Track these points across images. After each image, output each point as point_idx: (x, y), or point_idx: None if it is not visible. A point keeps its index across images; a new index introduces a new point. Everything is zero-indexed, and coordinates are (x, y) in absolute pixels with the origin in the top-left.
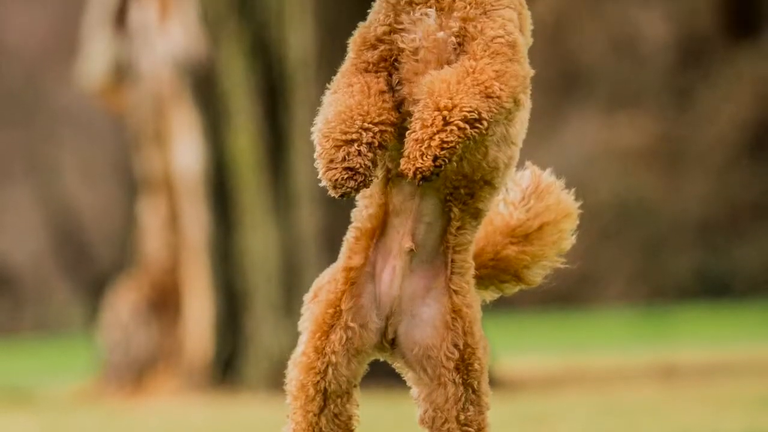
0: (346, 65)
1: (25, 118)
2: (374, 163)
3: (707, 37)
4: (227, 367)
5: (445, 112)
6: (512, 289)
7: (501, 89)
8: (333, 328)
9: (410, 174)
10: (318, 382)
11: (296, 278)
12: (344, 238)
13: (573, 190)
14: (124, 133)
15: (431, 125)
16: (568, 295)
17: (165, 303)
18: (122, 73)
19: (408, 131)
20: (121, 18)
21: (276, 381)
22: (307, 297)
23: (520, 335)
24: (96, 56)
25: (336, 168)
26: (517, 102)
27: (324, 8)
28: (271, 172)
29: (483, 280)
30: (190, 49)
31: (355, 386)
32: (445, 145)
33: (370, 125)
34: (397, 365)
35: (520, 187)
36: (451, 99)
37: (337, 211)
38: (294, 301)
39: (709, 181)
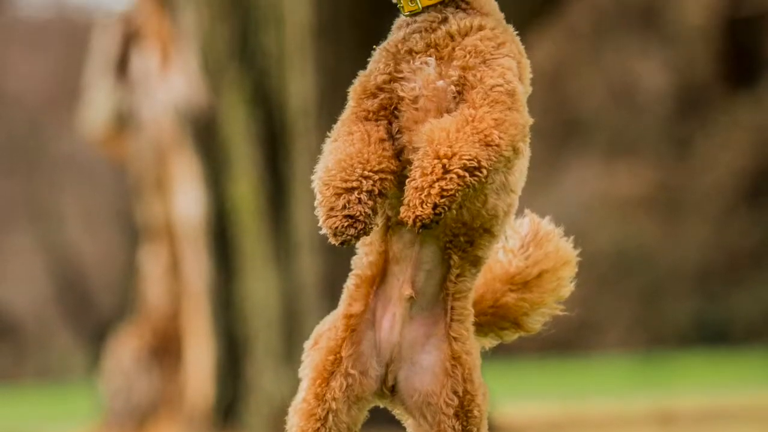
0: (346, 113)
1: (28, 166)
2: (374, 211)
3: (705, 86)
4: (228, 413)
5: (445, 161)
6: (511, 336)
7: (500, 137)
8: (333, 374)
9: (410, 222)
10: (318, 428)
11: (297, 325)
12: (344, 286)
13: (572, 237)
14: (125, 180)
15: (431, 173)
16: (567, 342)
17: (166, 349)
18: (124, 121)
19: (408, 179)
20: (122, 67)
21: (276, 427)
22: (307, 344)
23: (519, 382)
24: (98, 104)
25: (336, 216)
26: (516, 150)
27: (324, 57)
28: (272, 220)
29: (482, 327)
30: (191, 97)
31: None
32: (444, 193)
33: (371, 173)
34: (397, 412)
35: (519, 235)
36: (450, 147)
37: (338, 258)
38: (294, 347)
39: (707, 229)
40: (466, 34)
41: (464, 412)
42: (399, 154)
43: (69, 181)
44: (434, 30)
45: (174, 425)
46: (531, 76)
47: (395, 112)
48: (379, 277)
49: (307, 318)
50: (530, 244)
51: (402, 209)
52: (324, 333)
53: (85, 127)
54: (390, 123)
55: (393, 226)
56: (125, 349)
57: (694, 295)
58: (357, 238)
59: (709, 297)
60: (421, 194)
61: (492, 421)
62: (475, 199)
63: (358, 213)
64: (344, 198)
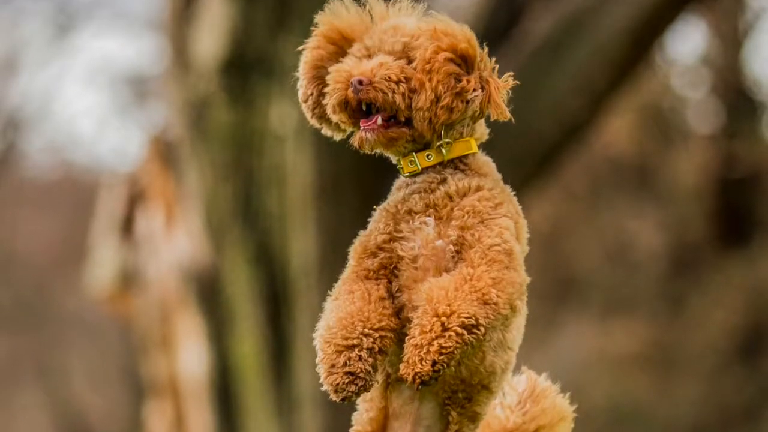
0: (347, 273)
1: (34, 324)
2: (375, 368)
3: (698, 245)
4: None
5: (444, 319)
6: None
7: (498, 296)
8: None
9: (410, 378)
10: None
11: None
12: None
13: (568, 394)
14: (130, 338)
15: (430, 331)
16: None
17: None
18: (129, 280)
19: (407, 337)
20: (127, 226)
21: None
22: None
23: None
24: (103, 263)
25: (337, 373)
26: (513, 308)
27: (325, 217)
28: (274, 376)
29: None
30: (194, 256)
31: None
32: (443, 351)
33: (371, 331)
34: None
35: (517, 391)
36: (449, 306)
37: (338, 414)
38: None
39: (700, 386)
40: (465, 195)
41: None
42: (399, 312)
43: (75, 338)
44: (433, 190)
45: None
46: (528, 235)
47: (395, 271)
48: None
49: None
50: (527, 401)
51: (401, 366)
52: None
53: (91, 286)
54: (390, 282)
55: (393, 382)
56: None
57: None
58: (357, 394)
59: None
60: (420, 351)
61: None
62: (473, 357)
63: (358, 370)
64: (345, 355)
